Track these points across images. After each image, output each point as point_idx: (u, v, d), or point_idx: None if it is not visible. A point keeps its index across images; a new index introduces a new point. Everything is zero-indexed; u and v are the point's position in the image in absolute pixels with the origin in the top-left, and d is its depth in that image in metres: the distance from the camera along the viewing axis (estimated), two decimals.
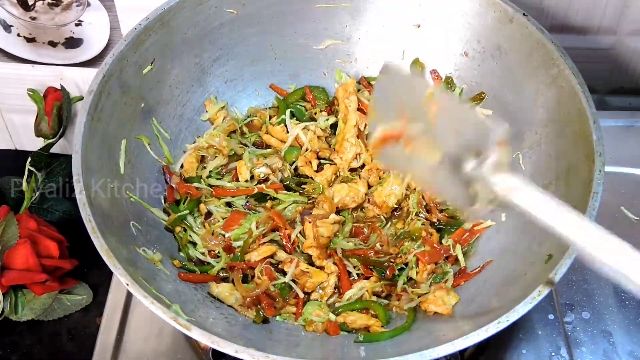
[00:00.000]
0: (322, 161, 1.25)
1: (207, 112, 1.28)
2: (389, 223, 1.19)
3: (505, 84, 1.20)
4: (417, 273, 1.12)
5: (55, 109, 1.37)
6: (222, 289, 1.08)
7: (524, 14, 1.14)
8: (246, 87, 1.32)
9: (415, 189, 1.20)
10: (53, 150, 1.38)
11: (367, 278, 1.12)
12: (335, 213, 1.17)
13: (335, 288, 1.11)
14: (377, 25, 1.30)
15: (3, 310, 1.17)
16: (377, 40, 1.31)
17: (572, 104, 1.06)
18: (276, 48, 1.30)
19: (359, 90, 1.31)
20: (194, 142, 1.26)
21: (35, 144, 1.39)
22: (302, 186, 1.22)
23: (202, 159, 1.24)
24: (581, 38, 1.41)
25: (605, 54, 1.44)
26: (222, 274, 1.12)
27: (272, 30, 1.28)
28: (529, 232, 1.07)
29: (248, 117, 1.31)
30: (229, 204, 1.19)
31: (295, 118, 1.29)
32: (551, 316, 1.19)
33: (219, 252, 1.13)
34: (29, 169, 1.32)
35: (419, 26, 1.27)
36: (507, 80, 1.20)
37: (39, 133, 1.37)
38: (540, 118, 1.13)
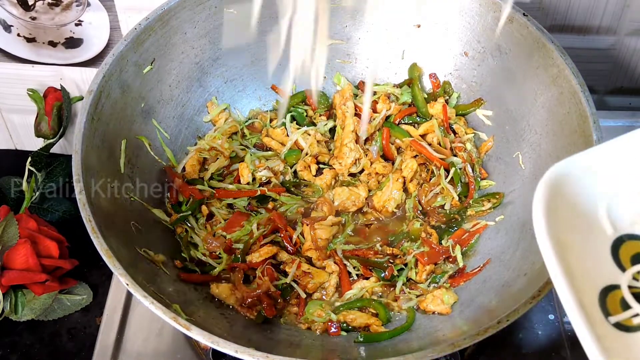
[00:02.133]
0: (321, 166, 1.25)
1: (208, 113, 1.28)
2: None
3: (505, 84, 1.20)
4: (416, 274, 1.12)
5: (55, 109, 1.37)
6: (222, 289, 1.08)
7: (524, 14, 1.14)
8: (246, 87, 1.32)
9: (412, 193, 1.20)
10: (53, 150, 1.38)
11: (367, 279, 1.12)
12: (335, 216, 1.17)
13: (336, 288, 1.11)
14: (377, 25, 1.29)
15: (3, 310, 1.17)
16: (377, 40, 1.30)
17: (572, 104, 1.06)
18: None
19: (356, 95, 1.31)
20: (195, 143, 1.26)
21: (35, 144, 1.39)
22: (302, 189, 1.22)
23: (203, 161, 1.24)
24: (581, 38, 1.41)
25: (605, 54, 1.44)
26: (223, 275, 1.12)
27: (272, 30, 1.28)
28: (529, 232, 1.07)
29: (249, 119, 1.31)
30: (230, 206, 1.19)
31: (295, 122, 1.29)
32: (551, 316, 1.19)
33: (220, 254, 1.13)
34: (29, 169, 1.32)
35: (419, 26, 1.27)
36: (507, 80, 1.20)
37: (39, 133, 1.37)
38: (540, 118, 1.13)
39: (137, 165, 1.15)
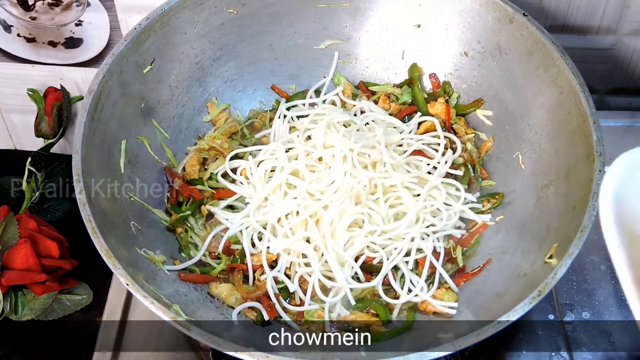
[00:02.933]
0: None
1: (208, 113, 1.28)
2: None
3: (505, 84, 1.20)
4: (417, 275, 1.12)
5: (55, 109, 1.37)
6: (222, 289, 1.08)
7: (524, 14, 1.14)
8: (246, 87, 1.32)
9: None
10: (53, 150, 1.38)
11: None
12: None
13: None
14: (377, 26, 1.30)
15: (3, 310, 1.17)
16: (377, 41, 1.31)
17: (572, 104, 1.06)
18: (276, 48, 1.30)
19: (356, 95, 1.31)
20: (195, 143, 1.26)
21: (35, 144, 1.39)
22: None
23: (203, 161, 1.24)
24: (581, 38, 1.41)
25: (605, 54, 1.44)
26: (222, 275, 1.12)
27: (272, 30, 1.28)
28: (529, 232, 1.07)
29: (249, 119, 1.31)
30: (230, 206, 1.19)
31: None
32: (551, 316, 1.19)
33: (219, 254, 1.13)
34: (29, 169, 1.32)
35: (419, 26, 1.27)
36: (507, 80, 1.20)
37: (39, 133, 1.37)
38: (540, 118, 1.13)
39: (137, 165, 1.15)
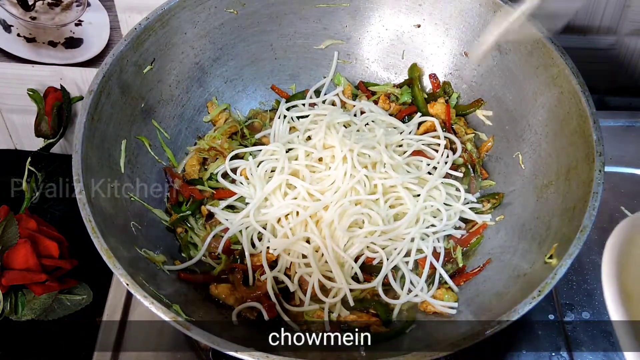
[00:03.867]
0: None
1: (208, 113, 1.28)
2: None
3: (505, 84, 1.20)
4: (417, 275, 1.12)
5: (55, 109, 1.37)
6: (222, 290, 1.08)
7: None
8: (246, 87, 1.32)
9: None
10: (53, 150, 1.38)
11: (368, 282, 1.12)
12: None
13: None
14: (377, 25, 1.30)
15: (3, 310, 1.17)
16: (377, 40, 1.31)
17: (572, 104, 1.06)
18: (276, 48, 1.30)
19: (356, 95, 1.31)
20: (195, 143, 1.26)
21: (35, 144, 1.40)
22: None
23: (203, 161, 1.24)
24: (581, 38, 1.42)
25: (605, 54, 1.44)
26: (222, 275, 1.12)
27: (272, 30, 1.29)
28: (529, 232, 1.07)
29: (249, 119, 1.31)
30: (230, 206, 1.19)
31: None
32: (551, 316, 1.19)
33: (219, 254, 1.13)
34: (29, 169, 1.33)
35: (419, 26, 1.27)
36: (507, 80, 1.20)
37: (39, 133, 1.38)
38: (540, 118, 1.13)
39: (137, 165, 1.15)
